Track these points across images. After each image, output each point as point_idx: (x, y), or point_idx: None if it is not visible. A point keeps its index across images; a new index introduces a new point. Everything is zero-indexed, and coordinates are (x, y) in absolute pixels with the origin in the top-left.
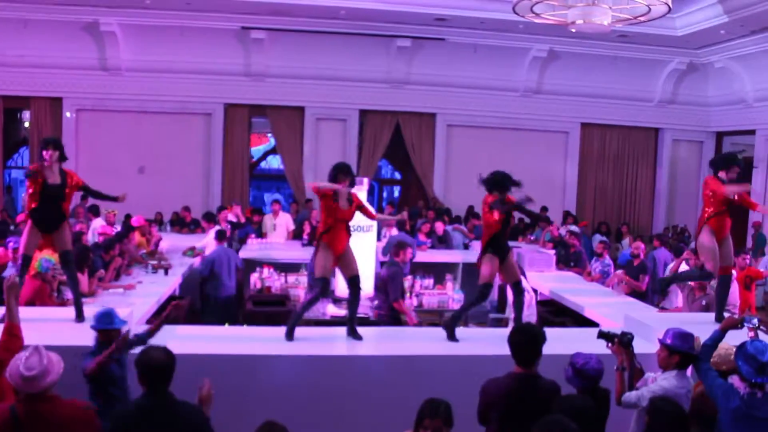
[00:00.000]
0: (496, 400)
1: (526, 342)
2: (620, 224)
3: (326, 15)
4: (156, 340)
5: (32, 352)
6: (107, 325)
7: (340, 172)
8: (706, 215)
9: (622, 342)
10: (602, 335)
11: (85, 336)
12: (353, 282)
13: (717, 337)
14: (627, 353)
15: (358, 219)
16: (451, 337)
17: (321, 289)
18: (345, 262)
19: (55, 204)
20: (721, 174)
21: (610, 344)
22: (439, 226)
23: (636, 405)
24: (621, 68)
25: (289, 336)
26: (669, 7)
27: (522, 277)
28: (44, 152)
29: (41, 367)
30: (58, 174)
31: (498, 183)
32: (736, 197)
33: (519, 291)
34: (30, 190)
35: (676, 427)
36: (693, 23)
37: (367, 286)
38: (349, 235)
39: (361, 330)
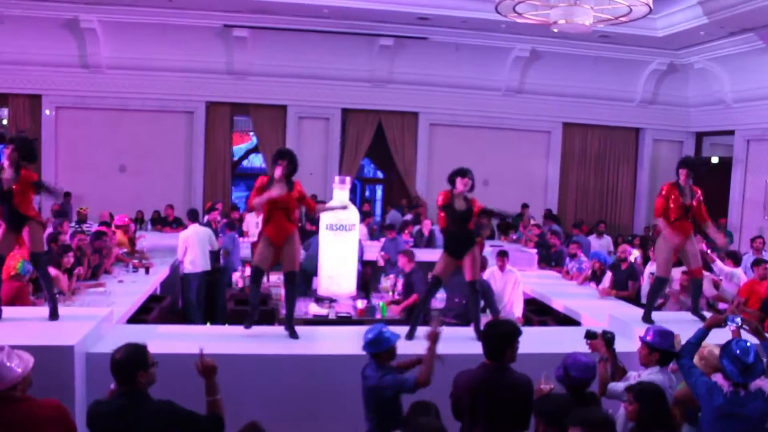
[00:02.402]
0: (465, 390)
1: (495, 335)
2: (617, 235)
3: (309, 13)
4: (138, 341)
5: None
6: (387, 343)
7: (278, 158)
8: (669, 220)
9: (604, 338)
10: (588, 335)
11: (62, 335)
12: (289, 278)
13: (701, 335)
14: (609, 351)
15: (340, 217)
16: (410, 336)
17: (252, 276)
18: (284, 255)
19: (10, 204)
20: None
21: (590, 341)
22: (427, 224)
23: (621, 396)
24: (602, 68)
25: (249, 324)
26: (650, 8)
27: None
28: (5, 148)
29: None
30: (12, 171)
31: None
32: (688, 202)
33: (473, 291)
34: None
35: (662, 404)
36: (673, 24)
37: (349, 284)
38: (292, 224)
39: (342, 329)
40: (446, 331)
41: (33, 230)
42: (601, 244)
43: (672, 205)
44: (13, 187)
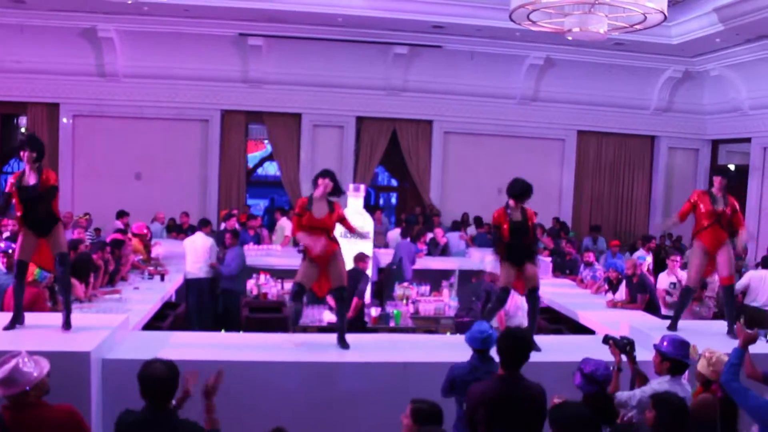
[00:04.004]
0: (480, 402)
1: (513, 346)
2: (635, 238)
3: (324, 22)
4: (153, 350)
5: (9, 357)
6: (490, 344)
7: (320, 176)
8: (695, 229)
9: (617, 345)
10: (605, 339)
11: (79, 341)
12: (338, 293)
13: (740, 355)
14: (629, 357)
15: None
16: None
17: (294, 293)
18: (330, 272)
19: (36, 206)
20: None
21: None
22: (439, 233)
23: (626, 404)
24: (617, 76)
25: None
26: (664, 15)
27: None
28: (21, 153)
29: (11, 372)
30: (35, 175)
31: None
32: (720, 208)
33: (533, 299)
34: (14, 199)
35: (681, 418)
36: (688, 32)
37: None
38: (334, 243)
39: (358, 336)
40: (462, 338)
41: (59, 232)
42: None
43: (702, 211)
44: (41, 191)
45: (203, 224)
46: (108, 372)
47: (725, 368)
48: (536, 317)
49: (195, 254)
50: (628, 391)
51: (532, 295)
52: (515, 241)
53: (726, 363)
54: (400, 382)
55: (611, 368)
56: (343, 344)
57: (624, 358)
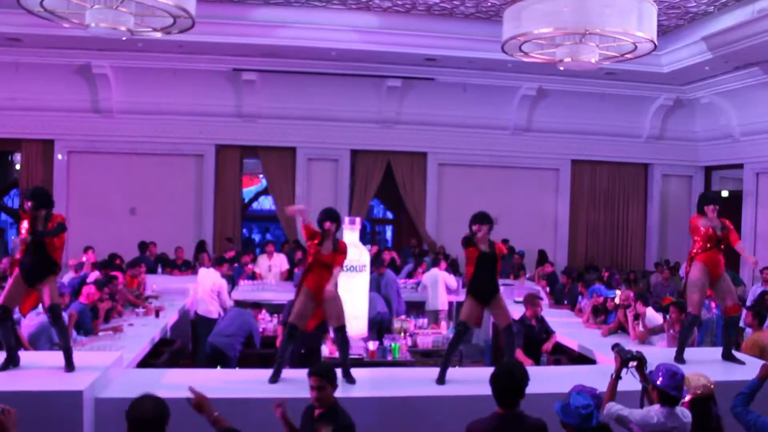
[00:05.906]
0: None
1: (507, 385)
2: (628, 271)
3: (317, 56)
4: (146, 388)
5: None
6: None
7: (327, 218)
8: (694, 251)
9: (621, 353)
10: (613, 346)
11: (71, 380)
12: (338, 332)
13: (755, 387)
14: (640, 373)
15: (351, 258)
16: (440, 380)
17: (287, 334)
18: (328, 311)
19: (40, 253)
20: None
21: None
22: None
23: (610, 418)
24: (609, 105)
25: (274, 379)
26: (654, 44)
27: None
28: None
29: None
30: (42, 221)
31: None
32: (719, 233)
33: (509, 334)
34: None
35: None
36: (678, 60)
37: (360, 325)
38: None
39: (354, 371)
40: (459, 371)
41: (50, 282)
42: None
43: (702, 234)
44: (46, 239)
45: (218, 262)
46: (101, 411)
47: (736, 396)
48: (511, 354)
49: (200, 289)
50: (617, 406)
51: (509, 330)
52: (481, 272)
53: (739, 391)
54: (397, 417)
55: (599, 394)
56: (348, 379)
57: (637, 376)
